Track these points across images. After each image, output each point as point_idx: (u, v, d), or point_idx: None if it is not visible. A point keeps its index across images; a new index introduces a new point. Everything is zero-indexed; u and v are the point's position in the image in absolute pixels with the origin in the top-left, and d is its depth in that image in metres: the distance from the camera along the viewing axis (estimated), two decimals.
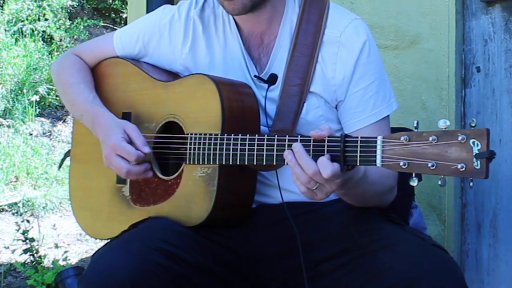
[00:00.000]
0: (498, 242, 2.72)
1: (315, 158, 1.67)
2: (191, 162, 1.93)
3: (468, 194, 2.77)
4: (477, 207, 2.76)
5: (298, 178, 1.69)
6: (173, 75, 2.12)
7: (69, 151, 2.32)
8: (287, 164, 1.72)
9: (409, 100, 2.78)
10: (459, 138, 1.53)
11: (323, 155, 1.67)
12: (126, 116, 2.12)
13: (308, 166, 1.66)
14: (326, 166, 1.64)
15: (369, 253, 1.78)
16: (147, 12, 3.09)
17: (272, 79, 1.98)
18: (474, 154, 1.52)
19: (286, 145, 1.75)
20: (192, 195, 1.92)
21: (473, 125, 1.54)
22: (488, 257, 2.74)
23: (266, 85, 1.98)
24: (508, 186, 2.70)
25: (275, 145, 1.78)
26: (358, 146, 1.64)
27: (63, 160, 2.39)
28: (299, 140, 1.72)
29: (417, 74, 2.80)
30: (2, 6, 7.67)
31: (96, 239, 2.32)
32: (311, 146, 1.70)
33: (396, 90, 2.53)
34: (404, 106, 2.72)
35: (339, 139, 1.66)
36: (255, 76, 2.00)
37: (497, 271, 2.73)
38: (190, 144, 1.93)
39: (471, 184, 1.58)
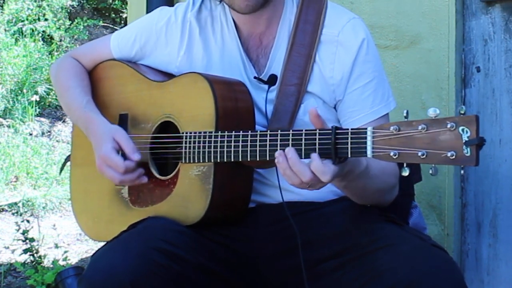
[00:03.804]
0: (498, 242, 2.72)
1: (307, 153, 1.68)
2: (187, 161, 1.93)
3: (468, 194, 2.78)
4: (477, 207, 2.76)
5: (290, 180, 1.70)
6: (169, 76, 2.11)
7: (69, 155, 2.32)
8: (277, 162, 1.72)
9: (409, 100, 2.78)
10: (448, 125, 1.53)
11: (315, 147, 1.68)
12: (123, 117, 2.12)
13: (303, 173, 1.66)
14: (324, 171, 1.64)
15: (369, 253, 1.78)
16: (147, 12, 3.09)
17: (272, 80, 1.98)
18: (463, 141, 1.51)
19: (279, 140, 1.76)
20: (189, 194, 1.92)
21: (462, 112, 1.54)
22: (488, 257, 2.74)
23: (266, 86, 1.98)
24: (508, 186, 2.70)
25: (268, 141, 1.78)
26: (349, 138, 1.65)
27: (63, 165, 2.40)
28: (290, 135, 1.73)
29: (417, 74, 2.80)
30: (2, 6, 7.67)
31: (97, 241, 2.32)
32: (303, 140, 1.71)
33: (396, 90, 2.53)
34: (404, 106, 2.69)
35: (330, 131, 1.67)
36: (254, 77, 2.00)
37: (497, 271, 2.73)
38: (186, 143, 1.93)
39: (462, 172, 1.58)
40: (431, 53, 2.77)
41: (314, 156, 1.67)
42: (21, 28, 7.51)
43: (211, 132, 1.89)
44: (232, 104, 1.93)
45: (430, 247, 1.77)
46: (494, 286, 2.74)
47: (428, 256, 1.72)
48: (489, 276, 2.75)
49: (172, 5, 2.20)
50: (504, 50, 2.69)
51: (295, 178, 1.68)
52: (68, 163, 2.34)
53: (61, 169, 2.43)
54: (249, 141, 1.82)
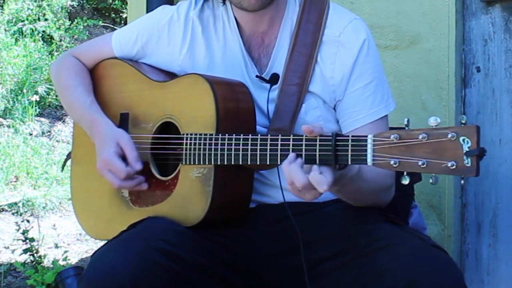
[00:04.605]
0: (498, 242, 2.72)
1: (307, 159, 1.68)
2: (187, 163, 1.93)
3: (468, 194, 2.77)
4: (477, 207, 2.76)
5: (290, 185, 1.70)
6: (171, 76, 2.11)
7: (70, 153, 2.32)
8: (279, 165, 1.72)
9: (409, 100, 2.78)
10: (449, 135, 1.52)
11: (315, 153, 1.68)
12: (124, 117, 2.12)
13: (298, 179, 1.66)
14: (320, 182, 1.63)
15: (368, 253, 1.78)
16: (147, 12, 3.09)
17: (274, 79, 1.98)
18: (464, 151, 1.51)
19: (279, 145, 1.76)
20: (189, 196, 1.92)
21: (463, 122, 1.53)
22: (488, 257, 2.74)
23: (268, 85, 1.98)
24: (508, 186, 2.70)
25: (269, 145, 1.78)
26: (349, 145, 1.65)
27: (65, 162, 2.40)
28: (291, 140, 1.73)
29: (417, 74, 2.80)
30: (2, 6, 7.67)
31: (97, 240, 2.32)
32: (304, 145, 1.71)
33: (396, 90, 2.52)
34: (404, 106, 2.72)
35: (330, 137, 1.67)
36: (256, 76, 2.00)
37: (497, 271, 2.73)
38: (186, 145, 1.93)
39: (462, 181, 1.58)
40: (431, 53, 2.77)
41: (314, 167, 1.67)
42: (21, 28, 7.51)
43: (212, 135, 1.88)
44: (233, 105, 1.93)
45: (430, 247, 1.77)
46: (494, 286, 2.74)
47: (428, 256, 1.72)
48: (489, 276, 2.75)
49: (173, 5, 2.20)
50: (504, 50, 2.70)
51: (288, 178, 1.68)
52: (69, 162, 2.34)
53: (63, 166, 2.43)
54: (249, 144, 1.81)
